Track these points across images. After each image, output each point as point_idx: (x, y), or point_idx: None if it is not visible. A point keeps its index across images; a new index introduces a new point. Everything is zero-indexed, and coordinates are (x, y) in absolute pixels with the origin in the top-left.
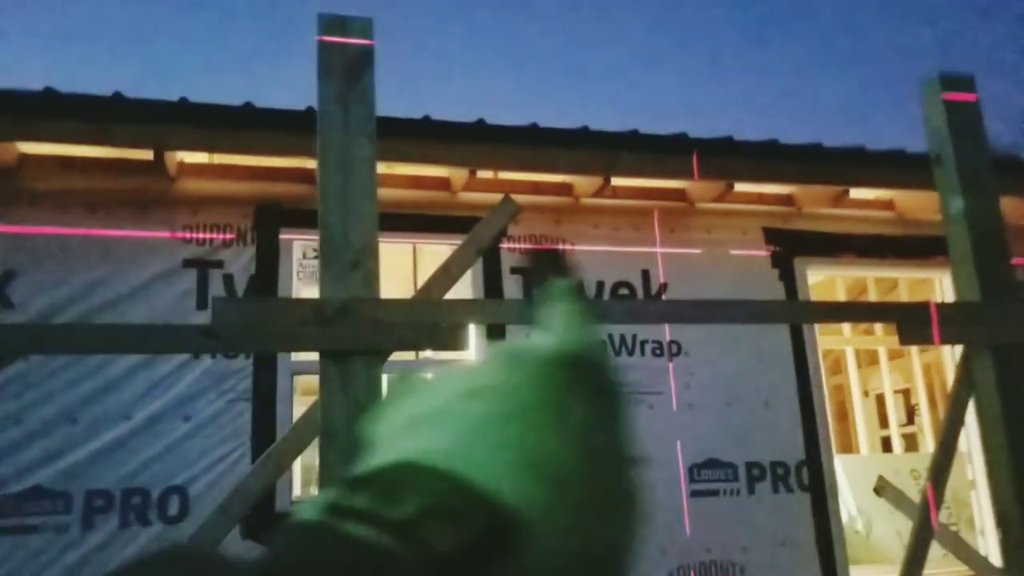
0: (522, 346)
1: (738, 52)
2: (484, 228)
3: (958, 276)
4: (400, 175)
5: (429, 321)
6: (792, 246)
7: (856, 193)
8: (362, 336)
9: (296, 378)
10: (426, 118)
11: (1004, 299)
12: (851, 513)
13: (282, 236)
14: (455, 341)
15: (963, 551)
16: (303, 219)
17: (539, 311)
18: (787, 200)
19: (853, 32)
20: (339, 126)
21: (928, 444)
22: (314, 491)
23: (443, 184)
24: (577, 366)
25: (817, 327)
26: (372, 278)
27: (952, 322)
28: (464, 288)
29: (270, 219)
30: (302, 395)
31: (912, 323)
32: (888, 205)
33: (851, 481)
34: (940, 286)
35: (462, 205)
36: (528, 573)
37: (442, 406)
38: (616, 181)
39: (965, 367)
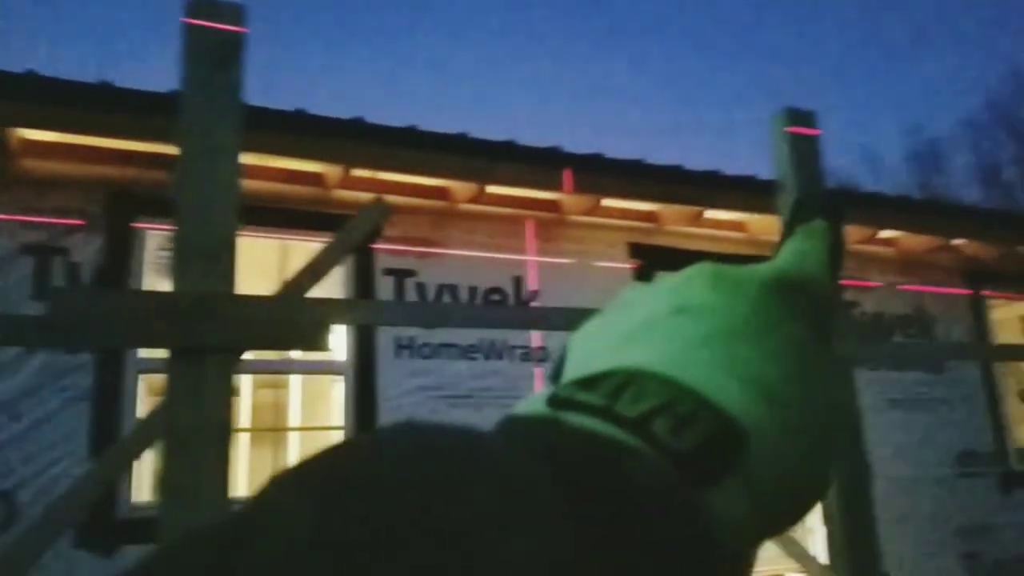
0: (735, 267)
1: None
2: (353, 227)
3: None
4: (273, 168)
5: (290, 319)
6: (654, 261)
7: (711, 214)
8: (217, 333)
9: (143, 377)
10: (301, 111)
11: (841, 315)
12: None
13: (135, 225)
14: (317, 341)
15: (792, 549)
16: (160, 208)
17: (784, 228)
18: (651, 217)
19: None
20: (202, 113)
21: None
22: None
23: (317, 180)
24: (799, 293)
25: None
26: (230, 273)
27: None
28: (334, 288)
29: (123, 206)
30: (150, 395)
31: None
32: (739, 226)
33: None
34: None
35: (337, 203)
36: (749, 484)
37: (651, 321)
38: (492, 189)
39: None
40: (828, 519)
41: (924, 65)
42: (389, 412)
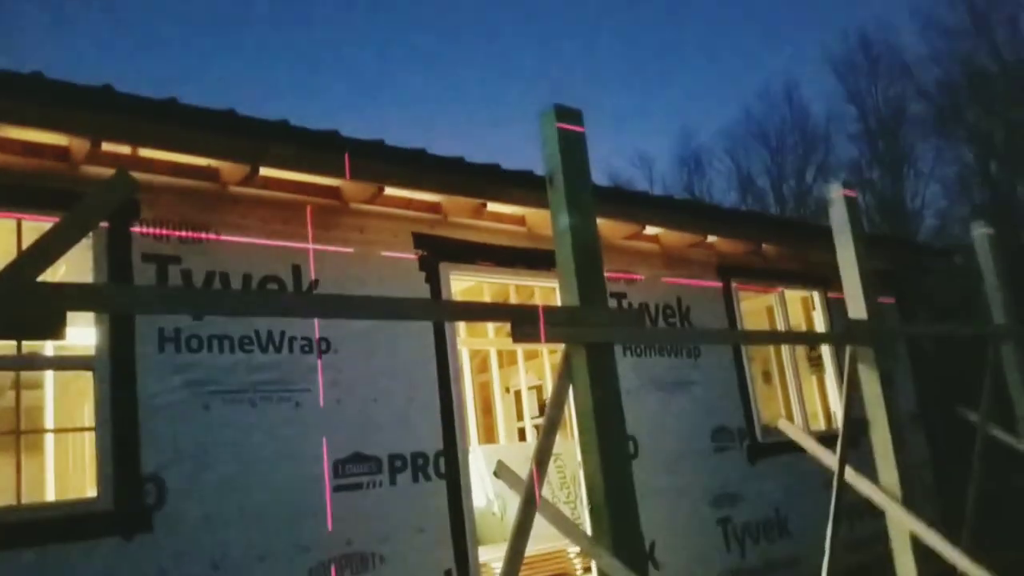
0: None
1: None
2: (91, 203)
3: (562, 284)
4: (9, 139)
5: (13, 306)
6: (438, 251)
7: (493, 207)
8: None
9: None
10: (39, 75)
11: (597, 304)
12: (490, 497)
13: None
14: (48, 329)
15: (562, 523)
16: None
17: None
18: (435, 208)
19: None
20: None
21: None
22: None
23: (63, 154)
24: None
25: (464, 330)
26: None
27: (556, 323)
28: (83, 274)
29: None
30: None
31: (524, 323)
32: (520, 220)
33: (490, 468)
34: None
35: (87, 180)
36: None
37: None
38: (267, 172)
39: (565, 363)
40: (590, 492)
41: (694, 75)
42: (152, 411)
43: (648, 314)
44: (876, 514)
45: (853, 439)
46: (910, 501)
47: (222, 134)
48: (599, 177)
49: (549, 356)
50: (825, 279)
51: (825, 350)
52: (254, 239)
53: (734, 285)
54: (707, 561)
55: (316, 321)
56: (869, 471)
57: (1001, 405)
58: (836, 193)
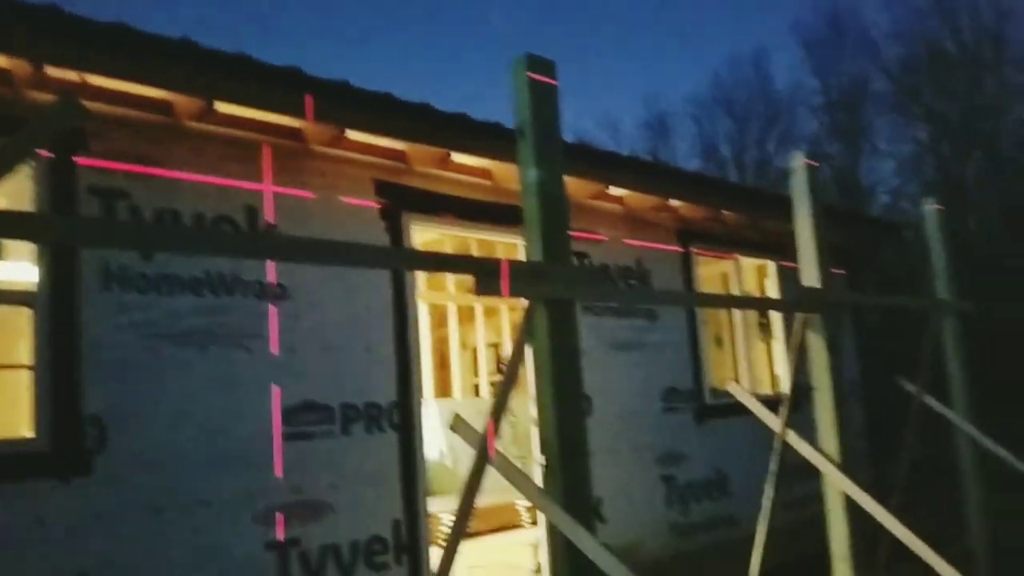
0: None
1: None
2: (34, 130)
3: (528, 239)
4: None
5: None
6: (401, 201)
7: (459, 158)
8: None
9: None
10: None
11: (562, 261)
12: (443, 449)
13: None
14: None
15: (514, 476)
16: None
17: None
18: (399, 156)
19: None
20: None
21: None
22: None
23: (5, 77)
24: None
25: (423, 284)
26: None
27: (520, 278)
28: (23, 206)
29: None
30: None
31: (487, 276)
32: (487, 174)
33: (444, 421)
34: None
35: (34, 107)
36: None
37: None
38: (223, 108)
39: (527, 318)
40: (543, 446)
41: (663, 38)
42: (95, 351)
43: (609, 275)
44: (812, 476)
45: (796, 404)
46: (847, 465)
47: (177, 65)
48: (566, 137)
49: (509, 314)
50: (780, 248)
51: (775, 318)
52: (208, 177)
53: (693, 250)
54: (651, 517)
55: (272, 266)
56: (810, 435)
57: (941, 378)
58: (798, 162)
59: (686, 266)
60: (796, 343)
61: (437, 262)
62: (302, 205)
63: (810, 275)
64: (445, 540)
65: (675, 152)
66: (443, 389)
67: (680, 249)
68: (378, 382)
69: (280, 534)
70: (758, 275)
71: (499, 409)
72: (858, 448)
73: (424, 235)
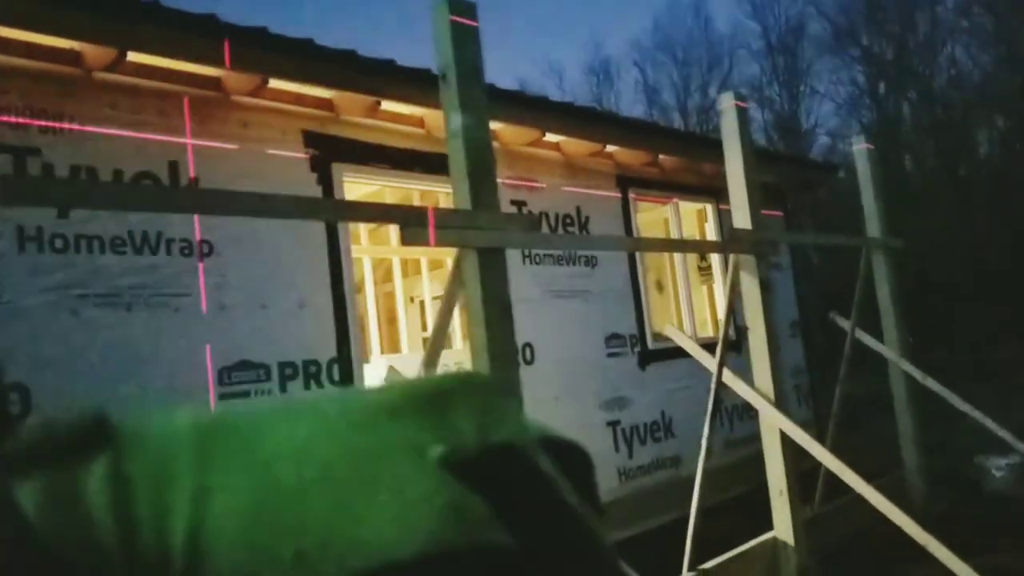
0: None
1: None
2: None
3: (454, 186)
4: None
5: None
6: (330, 151)
7: (389, 105)
8: None
9: None
10: None
11: (490, 208)
12: None
13: None
14: None
15: None
16: None
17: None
18: (327, 105)
19: None
20: None
21: (458, 342)
22: None
23: None
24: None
25: (366, 238)
26: None
27: (447, 226)
28: None
29: None
30: None
31: (412, 225)
32: (419, 122)
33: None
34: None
35: None
36: None
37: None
38: (137, 57)
39: (456, 267)
40: None
41: None
42: (13, 315)
43: (548, 222)
44: (754, 416)
45: (736, 345)
46: (782, 402)
47: (86, 12)
48: (509, 84)
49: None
50: (718, 192)
51: (715, 261)
52: (125, 131)
53: (631, 195)
54: (597, 461)
55: (197, 222)
56: (749, 375)
57: (874, 314)
58: (727, 103)
59: (625, 212)
60: (730, 283)
61: (361, 212)
62: (225, 157)
63: (741, 215)
64: None
65: (620, 99)
66: (392, 344)
67: (619, 195)
68: (315, 338)
69: None
70: (699, 219)
71: (432, 360)
72: (800, 385)
73: (362, 188)
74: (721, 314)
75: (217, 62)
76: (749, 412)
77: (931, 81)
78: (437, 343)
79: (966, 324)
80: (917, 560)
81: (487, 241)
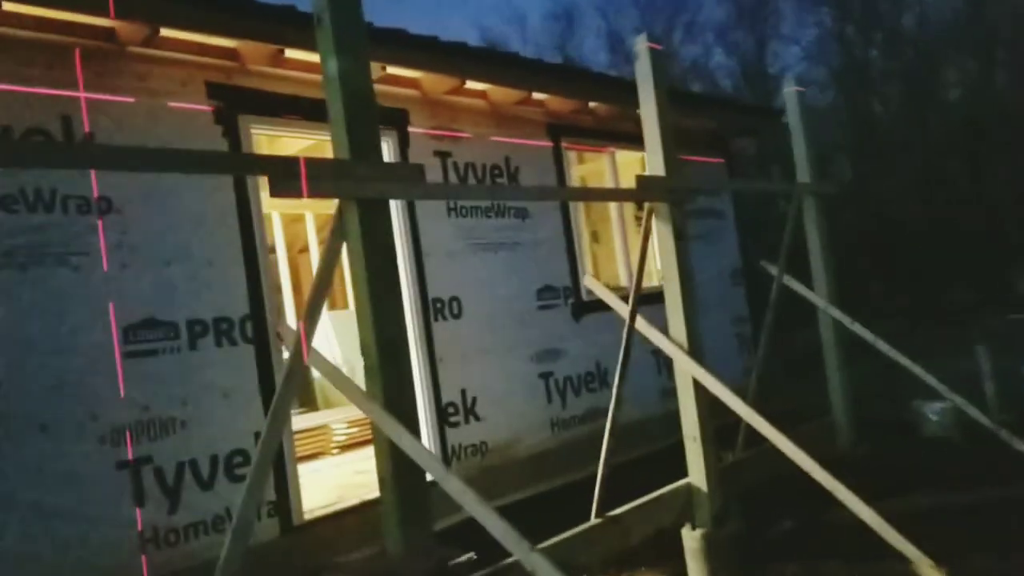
0: None
1: None
2: None
3: (333, 135)
4: None
5: None
6: (236, 103)
7: (295, 54)
8: None
9: None
10: None
11: (370, 158)
12: (338, 361)
13: None
14: None
15: (335, 377)
16: None
17: None
18: (232, 54)
19: None
20: None
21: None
22: None
23: None
24: None
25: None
26: None
27: (321, 177)
28: None
29: None
30: None
31: (283, 176)
32: None
33: (338, 333)
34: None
35: None
36: None
37: None
38: (15, 8)
39: (337, 219)
40: (365, 351)
41: None
42: None
43: (475, 174)
44: None
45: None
46: (697, 351)
47: None
48: (470, 35)
49: None
50: None
51: None
52: (11, 86)
53: (564, 145)
54: (529, 413)
55: (94, 178)
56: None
57: (802, 259)
58: (641, 46)
59: (558, 161)
60: (644, 232)
61: (225, 164)
62: (122, 111)
63: (655, 162)
64: (337, 449)
65: (582, 46)
66: (337, 300)
67: (551, 144)
68: (226, 295)
69: (130, 453)
70: (641, 169)
71: (312, 311)
72: (742, 333)
73: (277, 141)
74: (660, 264)
75: (104, 11)
76: None
77: (898, 23)
78: (318, 296)
79: (931, 269)
80: (838, 504)
81: (367, 192)
